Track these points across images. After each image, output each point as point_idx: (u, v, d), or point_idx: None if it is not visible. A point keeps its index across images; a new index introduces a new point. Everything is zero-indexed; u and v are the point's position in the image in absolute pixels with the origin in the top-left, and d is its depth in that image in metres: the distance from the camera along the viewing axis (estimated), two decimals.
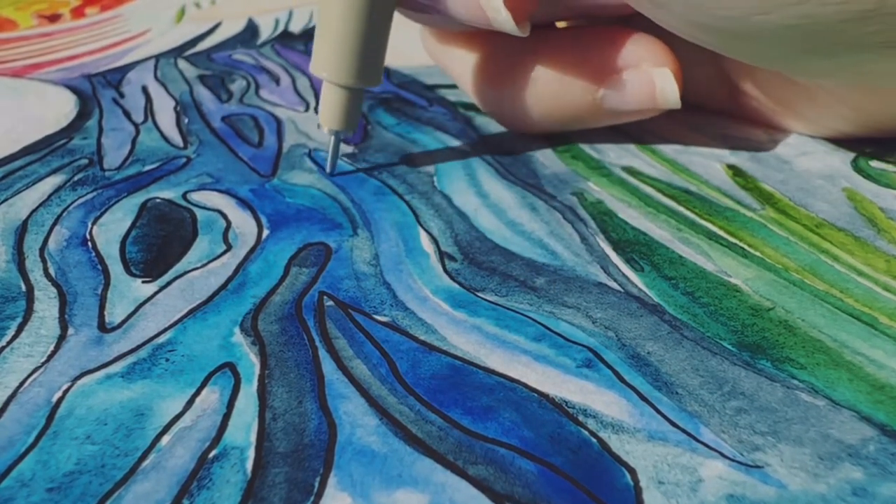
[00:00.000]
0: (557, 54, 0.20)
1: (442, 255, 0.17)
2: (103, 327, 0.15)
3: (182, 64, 0.32)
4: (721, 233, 0.17)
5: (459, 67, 0.22)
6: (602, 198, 0.19)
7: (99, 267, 0.17)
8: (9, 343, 0.15)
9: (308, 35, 0.36)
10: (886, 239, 0.17)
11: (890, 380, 0.13)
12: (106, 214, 0.19)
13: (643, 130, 0.22)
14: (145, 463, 0.12)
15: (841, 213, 0.18)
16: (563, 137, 0.22)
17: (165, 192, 0.21)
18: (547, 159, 0.21)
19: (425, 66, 0.29)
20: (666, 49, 0.19)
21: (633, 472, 0.11)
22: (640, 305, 0.15)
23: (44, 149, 0.23)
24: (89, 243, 0.18)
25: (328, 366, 0.14)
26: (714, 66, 0.21)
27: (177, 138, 0.24)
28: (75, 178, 0.21)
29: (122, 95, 0.28)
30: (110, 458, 0.12)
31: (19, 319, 0.15)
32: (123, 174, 0.22)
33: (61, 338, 0.15)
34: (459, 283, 0.16)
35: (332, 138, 0.21)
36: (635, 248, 0.17)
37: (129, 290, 0.16)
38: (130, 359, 0.14)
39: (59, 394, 0.13)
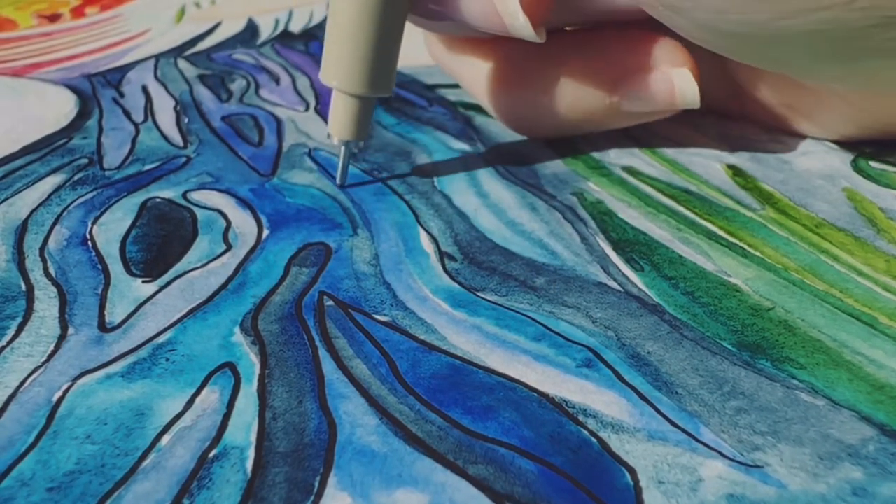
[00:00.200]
0: (574, 58, 0.20)
1: (442, 255, 0.17)
2: (103, 327, 0.15)
3: (182, 64, 0.32)
4: (721, 233, 0.17)
5: (470, 73, 0.22)
6: (602, 197, 0.19)
7: (99, 266, 0.17)
8: (9, 343, 0.15)
9: (308, 35, 0.36)
10: (886, 239, 0.17)
11: (890, 380, 0.13)
12: (106, 214, 0.19)
13: (643, 130, 0.22)
14: (145, 463, 0.12)
15: (841, 213, 0.18)
16: (563, 137, 0.22)
17: (165, 191, 0.21)
18: (547, 159, 0.21)
19: (425, 66, 0.29)
20: (683, 49, 0.19)
21: (633, 471, 0.11)
22: (640, 305, 0.15)
23: (44, 148, 0.23)
24: (89, 243, 0.18)
25: (328, 365, 0.14)
26: (716, 67, 0.21)
27: (177, 138, 0.24)
28: (75, 178, 0.21)
29: (122, 95, 0.28)
30: (110, 458, 0.12)
31: (19, 319, 0.15)
32: (123, 174, 0.22)
33: (61, 337, 0.15)
34: (459, 283, 0.16)
35: (343, 149, 0.20)
36: (635, 247, 0.17)
37: (129, 289, 0.16)
38: (130, 358, 0.14)
39: (60, 393, 0.13)
